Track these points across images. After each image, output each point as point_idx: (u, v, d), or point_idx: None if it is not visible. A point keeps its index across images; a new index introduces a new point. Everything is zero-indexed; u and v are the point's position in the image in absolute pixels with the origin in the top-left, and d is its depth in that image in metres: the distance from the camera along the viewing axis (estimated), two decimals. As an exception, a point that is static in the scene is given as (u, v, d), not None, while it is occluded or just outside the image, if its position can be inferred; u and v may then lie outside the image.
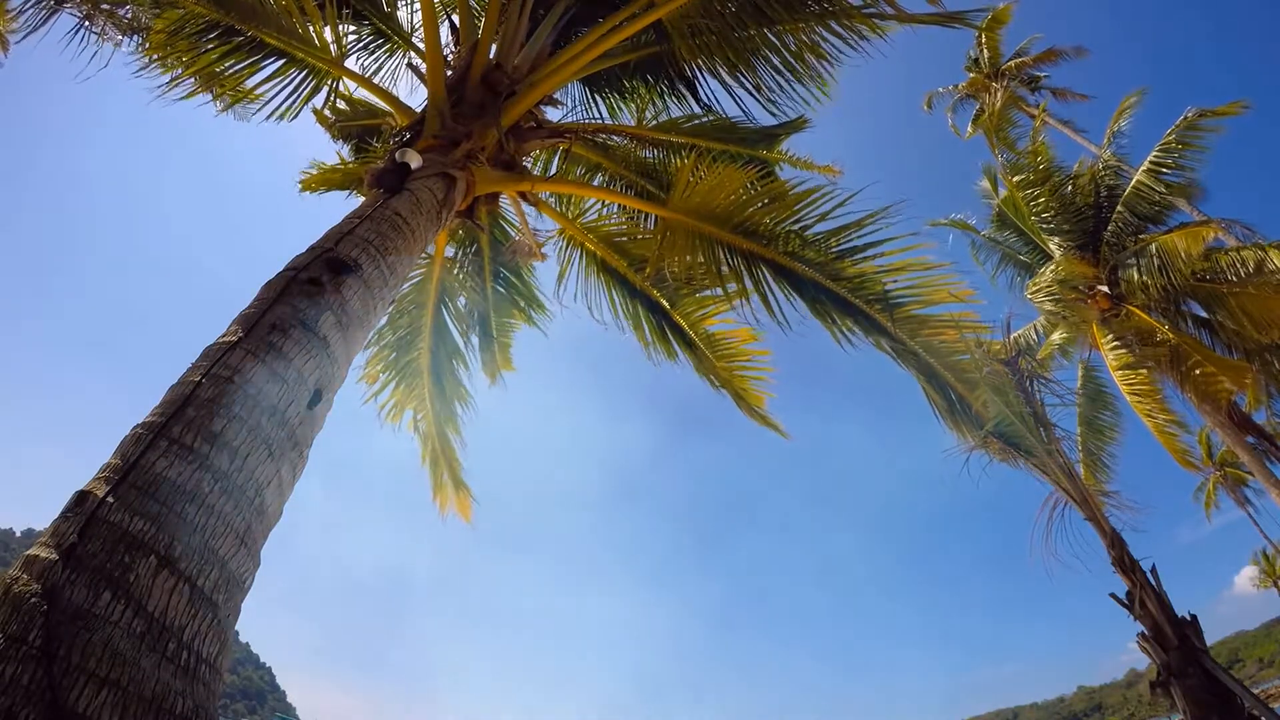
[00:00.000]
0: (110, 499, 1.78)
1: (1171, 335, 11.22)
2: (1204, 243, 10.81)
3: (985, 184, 14.61)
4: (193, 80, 5.24)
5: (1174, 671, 5.33)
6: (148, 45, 5.18)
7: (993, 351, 5.67)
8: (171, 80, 5.19)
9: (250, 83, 5.35)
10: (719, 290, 5.82)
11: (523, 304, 7.04)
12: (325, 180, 6.54)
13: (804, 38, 5.02)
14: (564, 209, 6.54)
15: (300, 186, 6.55)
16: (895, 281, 4.62)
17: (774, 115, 5.63)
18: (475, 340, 7.10)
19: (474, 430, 7.27)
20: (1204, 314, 12.11)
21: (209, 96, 5.74)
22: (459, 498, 7.41)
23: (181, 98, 5.35)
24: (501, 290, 6.95)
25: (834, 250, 4.78)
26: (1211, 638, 6.48)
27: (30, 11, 5.93)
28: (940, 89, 24.04)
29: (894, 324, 4.59)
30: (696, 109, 5.90)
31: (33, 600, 1.53)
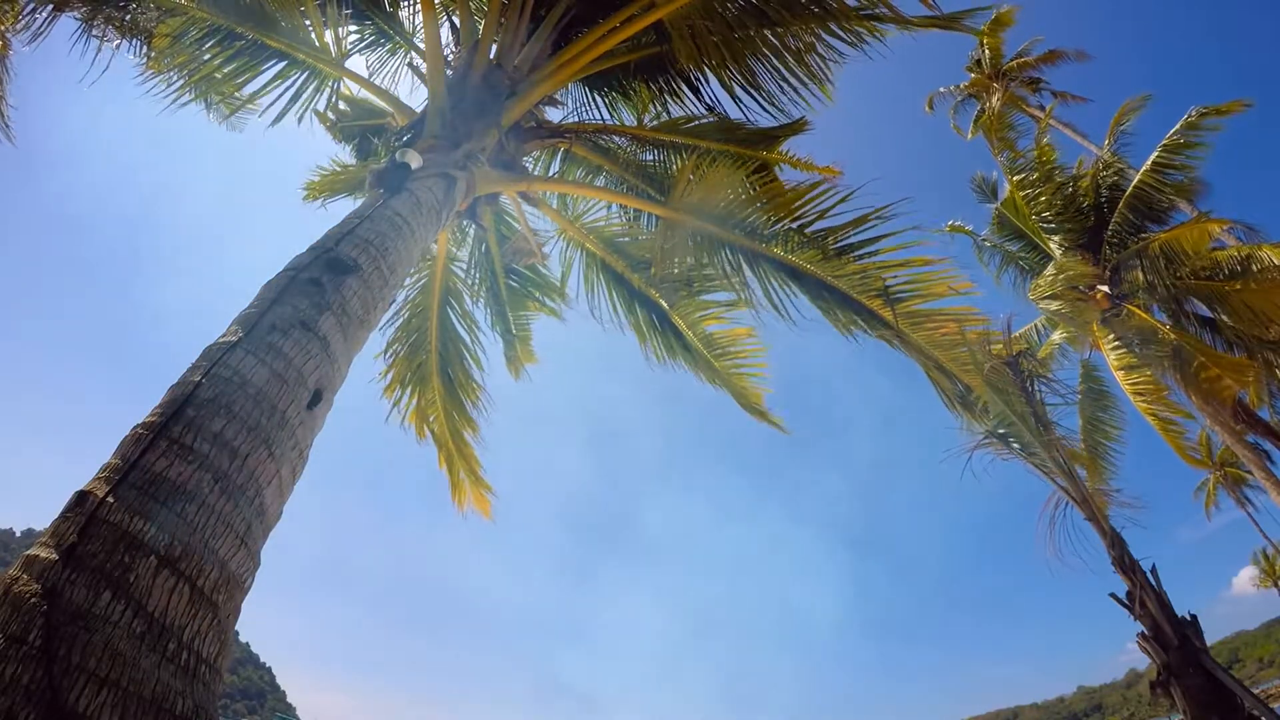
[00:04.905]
0: (110, 499, 1.78)
1: (1173, 335, 11.21)
2: (1210, 238, 10.81)
3: (984, 186, 14.61)
4: (196, 85, 5.25)
5: (1174, 671, 5.32)
6: (151, 51, 5.19)
7: (994, 351, 5.67)
8: (178, 87, 5.21)
9: (252, 86, 5.36)
10: (721, 294, 5.85)
11: (538, 294, 7.05)
12: (328, 184, 6.56)
13: (804, 39, 5.02)
14: (565, 210, 6.55)
15: (305, 195, 6.58)
16: (896, 277, 4.64)
17: (774, 117, 5.63)
18: (494, 338, 7.13)
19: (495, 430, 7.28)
20: (1206, 312, 12.10)
21: (213, 99, 5.75)
22: (477, 494, 7.38)
23: (185, 103, 5.36)
24: (515, 285, 6.95)
25: (835, 247, 4.80)
26: (1211, 638, 6.47)
27: (31, 13, 5.94)
28: (942, 89, 24.00)
29: (896, 318, 4.61)
30: (697, 110, 5.91)
31: (33, 600, 1.53)
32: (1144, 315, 11.76)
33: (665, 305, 6.13)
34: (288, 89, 5.40)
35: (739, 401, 6.32)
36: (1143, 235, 11.90)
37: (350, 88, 5.76)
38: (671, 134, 5.95)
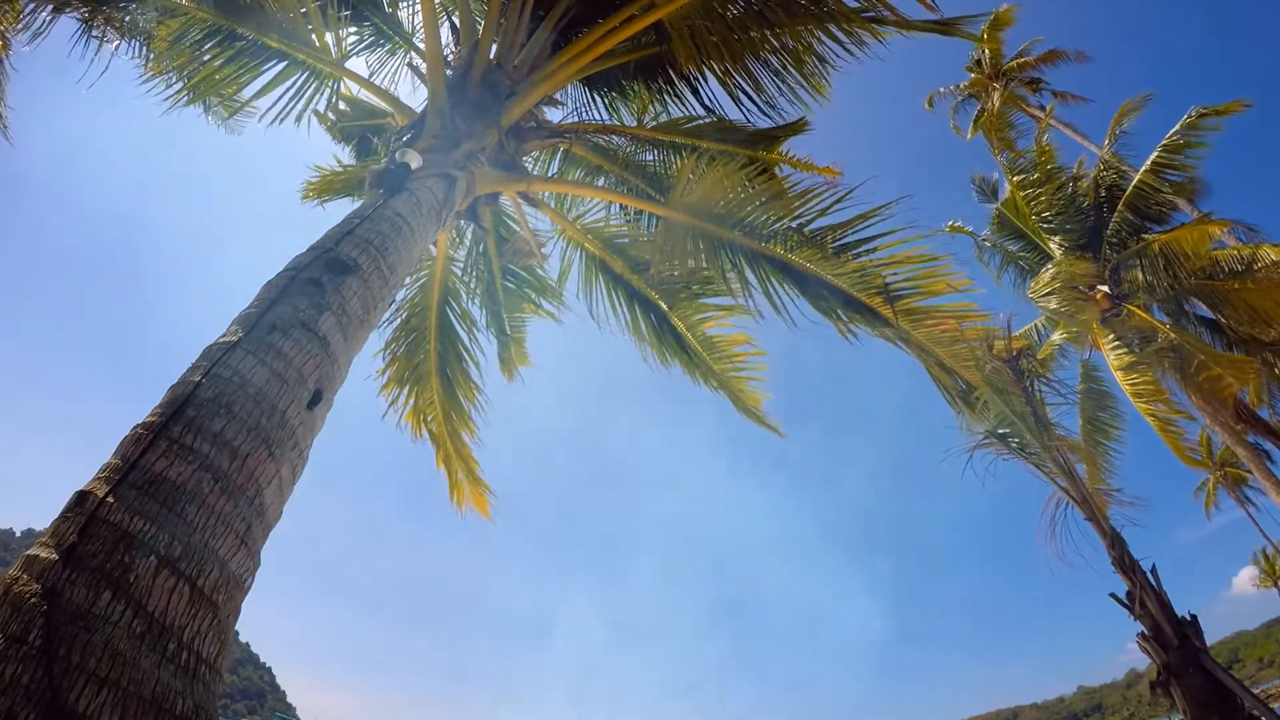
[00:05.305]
0: (110, 499, 1.78)
1: (1173, 335, 11.21)
2: (1211, 239, 10.83)
3: (985, 186, 14.61)
4: (196, 87, 5.25)
5: (1174, 671, 5.32)
6: (150, 53, 5.19)
7: (995, 350, 5.67)
8: (178, 89, 5.20)
9: (252, 87, 5.36)
10: (720, 298, 5.85)
11: (534, 296, 7.04)
12: (328, 185, 6.55)
13: (803, 41, 5.03)
14: (564, 210, 6.54)
15: (304, 195, 6.57)
16: (895, 275, 4.64)
17: (773, 118, 5.63)
18: (488, 339, 7.12)
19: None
20: (1206, 313, 12.11)
21: (212, 101, 5.74)
22: (475, 494, 7.36)
23: (185, 104, 5.36)
24: (511, 286, 6.95)
25: (834, 245, 4.79)
26: (1211, 638, 6.47)
27: (32, 13, 5.94)
28: (942, 89, 24.00)
29: (896, 316, 4.61)
30: (697, 110, 5.91)
31: (33, 600, 1.53)
32: (1144, 315, 11.76)
33: (665, 306, 6.13)
34: (288, 90, 5.39)
35: (736, 405, 6.32)
36: (1143, 235, 11.91)
37: (350, 88, 5.76)
38: (671, 134, 5.95)
